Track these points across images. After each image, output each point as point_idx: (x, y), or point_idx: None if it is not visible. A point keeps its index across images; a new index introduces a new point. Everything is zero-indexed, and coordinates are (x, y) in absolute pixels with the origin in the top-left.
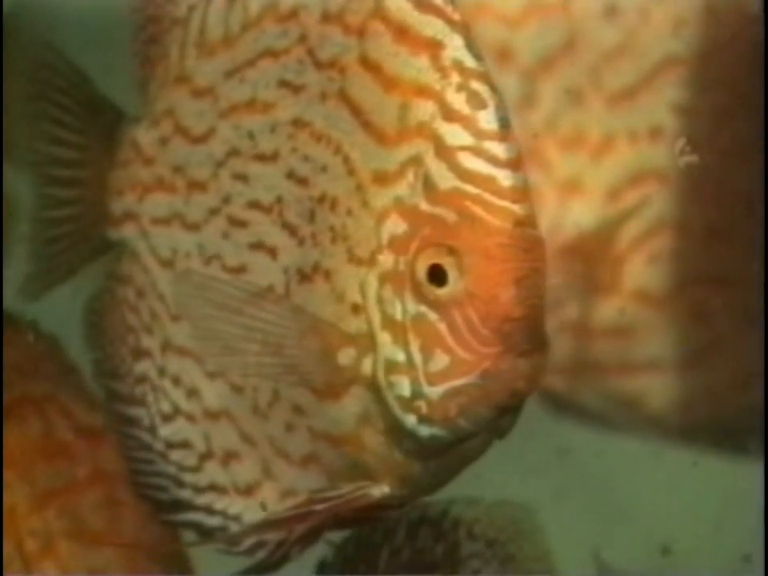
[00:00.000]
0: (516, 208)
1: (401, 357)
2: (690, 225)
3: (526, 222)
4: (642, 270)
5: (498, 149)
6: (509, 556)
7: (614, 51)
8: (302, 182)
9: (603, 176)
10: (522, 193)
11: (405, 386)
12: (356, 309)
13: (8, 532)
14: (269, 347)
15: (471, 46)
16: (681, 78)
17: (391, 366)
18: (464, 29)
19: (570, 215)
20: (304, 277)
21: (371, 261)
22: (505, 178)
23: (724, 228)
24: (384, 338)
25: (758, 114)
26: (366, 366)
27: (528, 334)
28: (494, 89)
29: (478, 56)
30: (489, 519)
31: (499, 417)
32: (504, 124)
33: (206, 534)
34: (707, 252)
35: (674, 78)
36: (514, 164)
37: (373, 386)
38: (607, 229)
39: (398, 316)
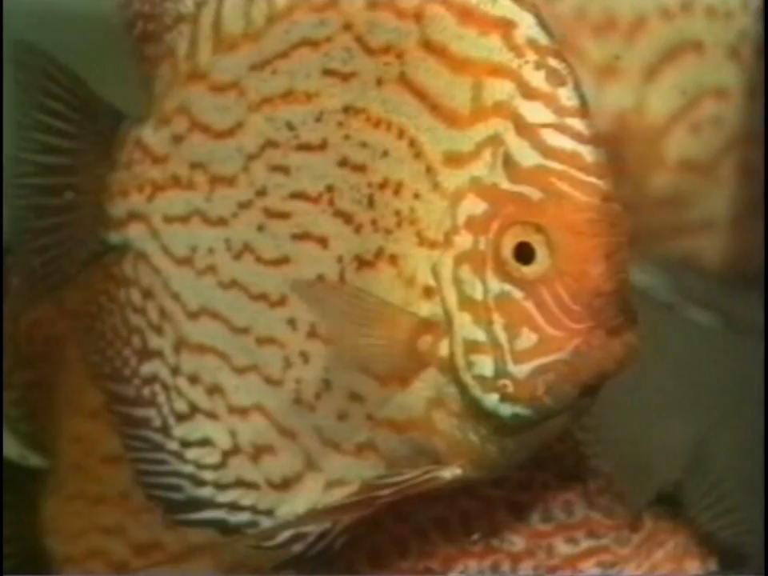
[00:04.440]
0: (602, 183)
1: (482, 336)
2: (729, 89)
3: (611, 197)
4: (685, 140)
5: (580, 125)
6: None
7: None
8: (359, 168)
9: (638, 56)
10: (606, 168)
11: (487, 365)
12: (428, 292)
13: None
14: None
15: (543, 23)
16: None
17: (471, 346)
18: (533, 7)
19: (608, 99)
20: (364, 263)
21: (446, 242)
22: (589, 153)
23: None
24: (463, 318)
25: None
26: (442, 348)
27: (619, 308)
28: (570, 65)
29: (550, 33)
30: None
31: (583, 395)
32: (583, 100)
33: (230, 530)
34: (749, 112)
35: None
36: (596, 140)
37: (448, 368)
38: (647, 107)
39: (478, 296)
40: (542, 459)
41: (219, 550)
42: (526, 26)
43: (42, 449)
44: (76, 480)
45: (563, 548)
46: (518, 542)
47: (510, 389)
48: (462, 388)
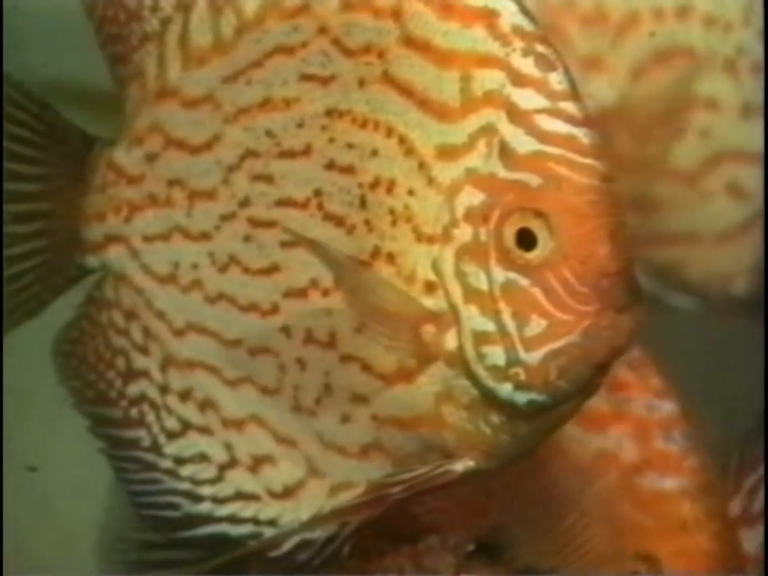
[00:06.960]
0: (599, 164)
1: (491, 327)
2: (721, 101)
3: (609, 178)
4: (670, 145)
5: (573, 108)
6: None
7: None
8: (347, 170)
9: (626, 53)
10: (601, 149)
11: (499, 356)
12: (430, 287)
13: None
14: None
15: (525, 10)
16: None
17: (481, 338)
18: None
19: (589, 91)
20: (360, 264)
21: (445, 236)
22: (584, 135)
23: (760, 105)
24: (470, 311)
25: None
26: (449, 342)
27: (626, 288)
28: (556, 50)
29: (533, 20)
30: None
31: (597, 374)
32: (573, 84)
33: (232, 544)
34: (742, 128)
35: None
36: (589, 122)
37: (457, 361)
38: (630, 105)
39: (483, 287)
40: (378, 526)
41: None
42: (509, 13)
43: None
44: None
45: None
46: None
47: (522, 376)
48: (474, 380)
